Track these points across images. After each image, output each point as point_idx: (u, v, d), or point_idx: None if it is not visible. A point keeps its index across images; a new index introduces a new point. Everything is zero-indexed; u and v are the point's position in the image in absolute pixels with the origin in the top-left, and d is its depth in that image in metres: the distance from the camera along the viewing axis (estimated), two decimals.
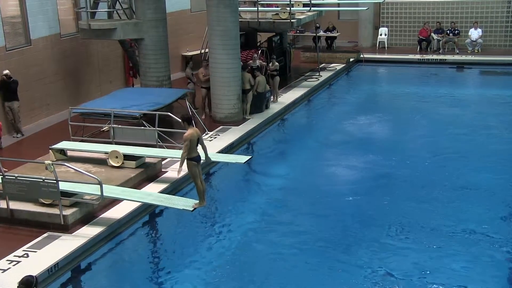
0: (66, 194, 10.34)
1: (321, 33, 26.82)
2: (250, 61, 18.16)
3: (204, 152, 10.88)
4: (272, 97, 18.23)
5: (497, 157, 14.35)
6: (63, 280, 9.34)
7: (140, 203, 10.98)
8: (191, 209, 10.33)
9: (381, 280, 9.23)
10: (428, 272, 9.42)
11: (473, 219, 11.08)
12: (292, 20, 19.34)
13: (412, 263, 9.66)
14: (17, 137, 15.23)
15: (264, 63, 18.74)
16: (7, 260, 9.31)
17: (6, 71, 14.82)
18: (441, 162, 14.09)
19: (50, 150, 12.85)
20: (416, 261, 9.71)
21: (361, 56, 25.57)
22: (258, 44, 21.52)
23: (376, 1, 26.31)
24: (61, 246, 9.70)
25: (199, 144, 10.57)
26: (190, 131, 10.37)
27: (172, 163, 12.99)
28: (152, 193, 11.35)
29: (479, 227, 10.75)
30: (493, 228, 10.76)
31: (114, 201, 11.10)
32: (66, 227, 10.19)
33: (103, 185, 10.25)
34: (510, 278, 9.41)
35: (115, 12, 17.69)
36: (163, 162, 13.00)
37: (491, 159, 14.16)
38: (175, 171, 12.59)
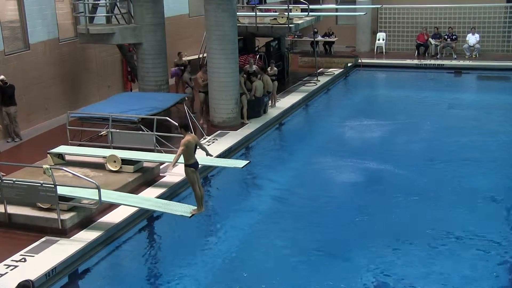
0: (64, 198, 10.34)
1: (319, 38, 26.90)
2: (247, 66, 18.21)
3: (205, 151, 11.20)
4: (270, 101, 18.26)
5: (496, 162, 14.38)
6: (61, 285, 9.32)
7: (137, 208, 10.98)
8: (189, 215, 10.33)
9: (378, 285, 9.24)
10: (427, 277, 9.42)
11: (474, 225, 11.06)
12: (290, 25, 19.39)
13: (411, 269, 9.67)
14: (15, 142, 15.20)
15: (259, 67, 18.76)
16: (5, 265, 9.30)
17: (2, 77, 14.79)
18: (440, 167, 14.11)
19: (48, 155, 12.85)
20: (415, 266, 9.72)
21: (359, 61, 25.62)
22: (256, 48, 21.57)
23: (374, 6, 26.41)
24: (59, 251, 9.69)
25: (197, 151, 10.60)
26: (187, 137, 10.41)
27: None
28: (150, 198, 11.35)
29: (481, 233, 10.74)
30: (495, 233, 10.75)
31: (112, 206, 11.10)
32: (63, 232, 10.18)
33: (101, 189, 10.25)
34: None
35: (113, 16, 17.75)
36: (161, 167, 13.00)
37: (490, 164, 14.19)
38: (172, 175, 12.66)
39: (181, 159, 10.56)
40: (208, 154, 11.36)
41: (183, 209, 10.54)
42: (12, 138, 15.24)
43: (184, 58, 19.01)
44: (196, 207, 10.55)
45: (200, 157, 10.93)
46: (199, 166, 10.84)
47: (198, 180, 10.70)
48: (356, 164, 14.35)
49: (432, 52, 26.53)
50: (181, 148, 10.33)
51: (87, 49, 18.36)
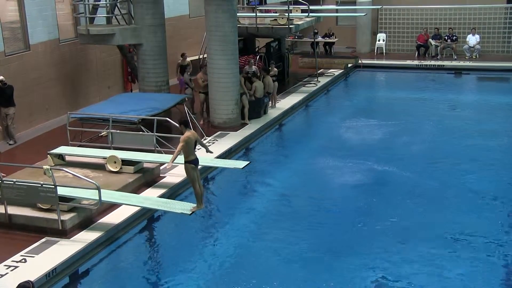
0: (64, 199, 10.34)
1: (319, 38, 26.90)
2: (246, 67, 18.20)
3: (204, 148, 11.22)
4: (270, 102, 18.26)
5: (497, 163, 14.38)
6: (61, 286, 9.32)
7: (138, 208, 10.98)
8: (189, 212, 10.35)
9: (380, 286, 9.24)
10: (428, 278, 9.42)
11: (476, 226, 11.06)
12: (290, 26, 19.38)
13: (412, 270, 9.66)
14: (9, 144, 15.00)
15: (260, 67, 18.76)
16: (5, 265, 9.30)
17: (1, 77, 14.74)
18: (441, 168, 14.10)
19: (48, 155, 12.85)
20: (416, 267, 9.72)
21: (359, 61, 25.62)
22: (257, 49, 21.57)
23: (374, 7, 26.41)
24: (59, 251, 9.69)
25: (197, 148, 10.62)
26: (187, 134, 10.43)
27: (170, 168, 12.96)
28: (150, 197, 11.37)
29: (483, 234, 10.73)
30: (497, 235, 10.75)
31: (112, 206, 11.11)
32: (64, 232, 10.18)
33: (101, 190, 10.25)
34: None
35: (113, 17, 17.75)
36: (161, 167, 12.99)
37: (491, 165, 14.19)
38: (173, 175, 12.66)
39: (181, 158, 10.58)
40: (208, 151, 11.39)
41: (183, 206, 10.56)
42: (9, 139, 15.14)
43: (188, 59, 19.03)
44: (196, 205, 10.57)
45: (201, 157, 10.94)
46: (200, 166, 10.84)
47: (198, 177, 10.71)
48: (357, 165, 14.33)
49: (432, 53, 26.53)
50: (180, 144, 10.34)
51: (87, 50, 18.37)
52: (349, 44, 28.34)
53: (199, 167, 10.82)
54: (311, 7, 20.61)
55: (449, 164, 14.31)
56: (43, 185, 10.17)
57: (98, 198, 10.22)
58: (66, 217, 10.28)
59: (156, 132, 13.48)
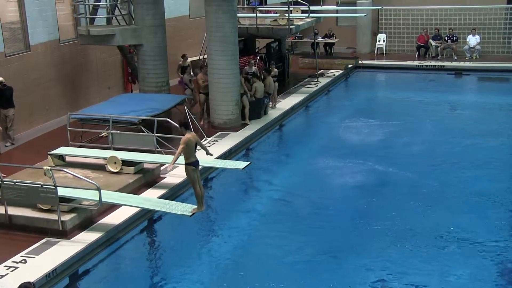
0: (64, 199, 10.34)
1: (320, 39, 26.90)
2: (246, 67, 18.20)
3: (205, 150, 11.14)
4: (270, 103, 18.26)
5: (497, 163, 14.38)
6: (61, 286, 9.32)
7: (138, 209, 10.99)
8: (190, 214, 10.35)
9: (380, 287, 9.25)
10: (429, 279, 9.41)
11: (476, 227, 11.05)
12: (290, 26, 19.39)
13: (413, 270, 9.65)
14: (6, 146, 14.93)
15: (261, 68, 18.76)
16: (5, 266, 9.30)
17: (1, 79, 14.71)
18: (441, 169, 14.09)
19: (48, 156, 12.86)
20: (417, 268, 9.71)
21: (360, 62, 25.63)
22: (257, 50, 21.58)
23: (375, 7, 26.42)
24: (59, 252, 9.70)
25: (197, 149, 10.62)
26: (187, 136, 10.44)
27: (171, 169, 12.97)
28: (150, 198, 11.36)
29: (483, 235, 10.73)
30: (498, 235, 10.75)
31: (113, 207, 11.11)
32: (64, 233, 10.18)
33: (102, 190, 10.25)
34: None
35: (114, 18, 17.76)
36: (161, 168, 12.99)
37: (492, 165, 14.18)
38: (173, 176, 12.66)
39: (182, 159, 10.58)
40: (208, 153, 11.38)
41: (183, 208, 10.57)
42: (9, 140, 15.13)
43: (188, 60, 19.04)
44: (196, 206, 10.57)
45: (201, 158, 10.94)
46: (200, 166, 10.84)
47: (199, 179, 10.72)
48: (357, 165, 14.34)
49: (433, 53, 26.54)
50: (181, 146, 10.36)
51: (87, 50, 18.37)
52: (349, 45, 28.34)
53: (199, 167, 10.82)
54: (312, 8, 20.62)
55: (449, 164, 14.32)
56: (44, 186, 10.17)
57: (98, 199, 10.22)
58: (66, 217, 10.28)
59: (157, 133, 13.48)
